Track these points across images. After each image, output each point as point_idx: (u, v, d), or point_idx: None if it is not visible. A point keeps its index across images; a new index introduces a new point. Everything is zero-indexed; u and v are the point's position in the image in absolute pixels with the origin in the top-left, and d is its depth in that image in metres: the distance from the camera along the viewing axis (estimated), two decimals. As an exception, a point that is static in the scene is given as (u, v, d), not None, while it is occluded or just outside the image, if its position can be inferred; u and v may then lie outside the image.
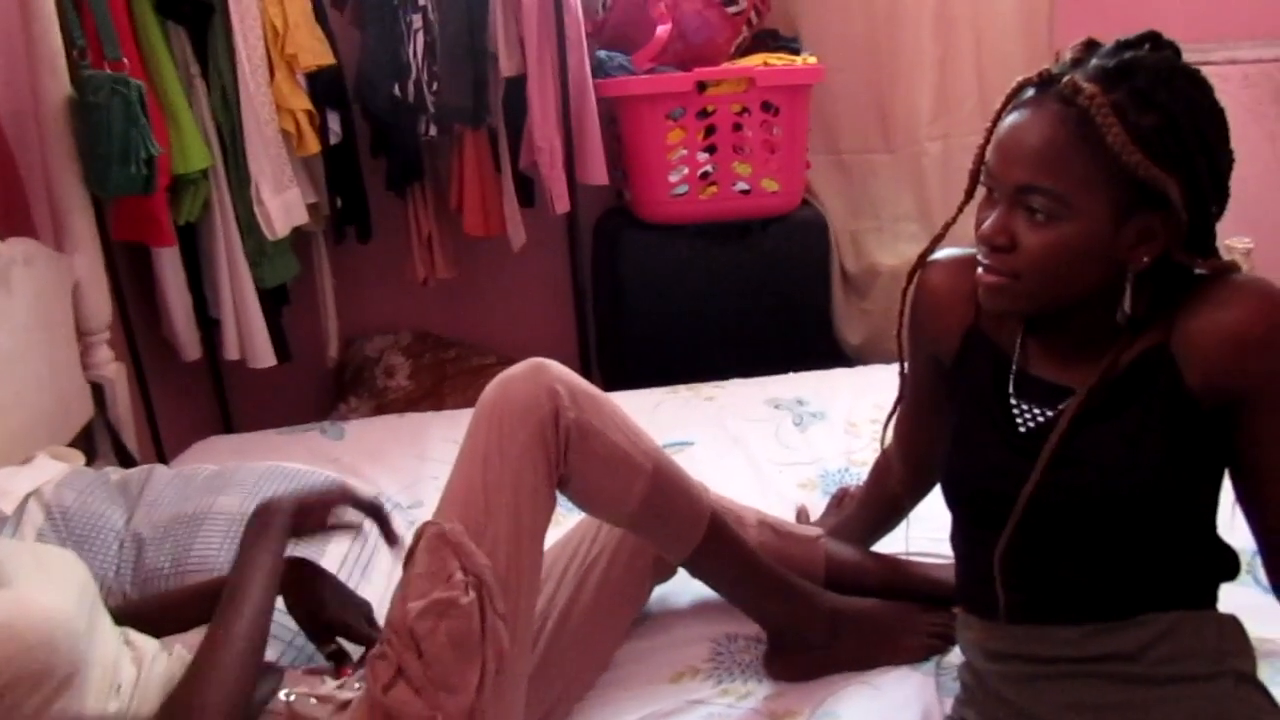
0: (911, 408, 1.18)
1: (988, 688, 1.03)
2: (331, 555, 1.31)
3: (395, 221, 2.45)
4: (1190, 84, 0.88)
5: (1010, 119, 0.92)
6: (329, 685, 1.00)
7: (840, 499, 1.55)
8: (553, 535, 1.12)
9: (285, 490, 1.40)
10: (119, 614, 1.07)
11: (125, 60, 1.77)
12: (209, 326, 2.26)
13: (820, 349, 2.53)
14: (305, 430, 1.96)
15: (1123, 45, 0.89)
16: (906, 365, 1.15)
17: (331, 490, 1.19)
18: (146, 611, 1.15)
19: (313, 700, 0.97)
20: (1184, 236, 0.89)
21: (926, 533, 1.29)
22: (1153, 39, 0.89)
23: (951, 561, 1.14)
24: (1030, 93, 0.92)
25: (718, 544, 1.15)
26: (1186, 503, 0.93)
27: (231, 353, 2.20)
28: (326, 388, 2.69)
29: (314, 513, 1.14)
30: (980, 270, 0.96)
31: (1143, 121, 0.85)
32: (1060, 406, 0.97)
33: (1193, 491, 0.93)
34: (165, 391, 2.18)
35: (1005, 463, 0.99)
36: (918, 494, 1.27)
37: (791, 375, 2.10)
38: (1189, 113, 0.87)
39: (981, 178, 0.96)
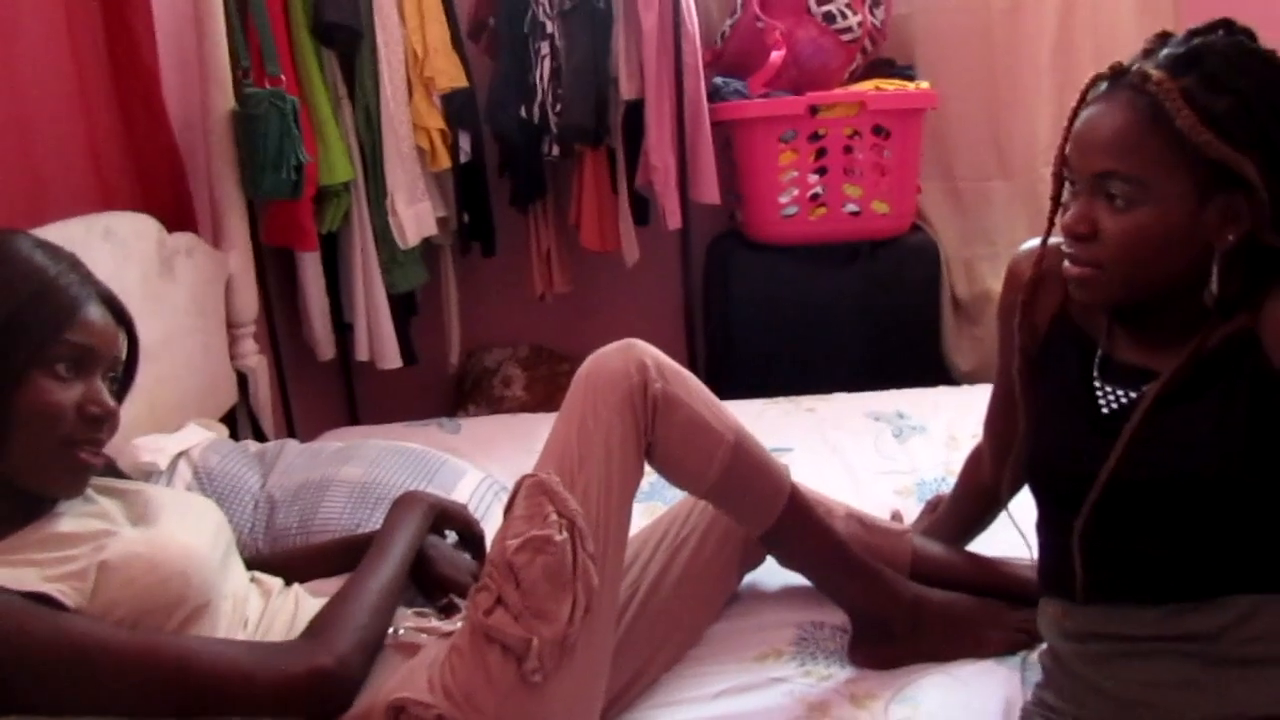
0: (1001, 399, 1.20)
1: (1066, 668, 1.04)
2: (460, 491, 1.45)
3: (517, 239, 2.59)
4: (1262, 64, 0.89)
5: (1085, 113, 0.95)
6: (434, 622, 1.09)
7: (935, 505, 1.56)
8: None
9: (403, 466, 1.52)
10: (250, 562, 1.19)
11: (283, 76, 1.96)
12: (343, 330, 2.44)
13: (928, 374, 2.52)
14: (425, 424, 2.08)
15: (1193, 33, 0.92)
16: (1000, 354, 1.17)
17: (464, 511, 1.33)
18: (274, 562, 1.26)
19: (421, 635, 1.06)
20: (1269, 215, 0.89)
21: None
22: (1225, 25, 0.91)
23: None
24: (1104, 86, 0.95)
25: (799, 520, 1.19)
26: (1269, 486, 0.92)
27: (362, 354, 2.37)
28: (447, 394, 2.84)
29: (450, 518, 1.28)
30: (1066, 263, 0.99)
31: (1214, 105, 0.87)
32: (1144, 388, 0.98)
33: (1276, 475, 0.93)
34: (300, 386, 2.36)
35: (1086, 443, 1.00)
36: (1011, 487, 1.28)
37: (894, 391, 2.11)
38: (1261, 91, 0.88)
39: (1065, 174, 0.99)
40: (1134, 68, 0.92)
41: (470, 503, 1.47)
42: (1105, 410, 1.01)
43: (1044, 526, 1.11)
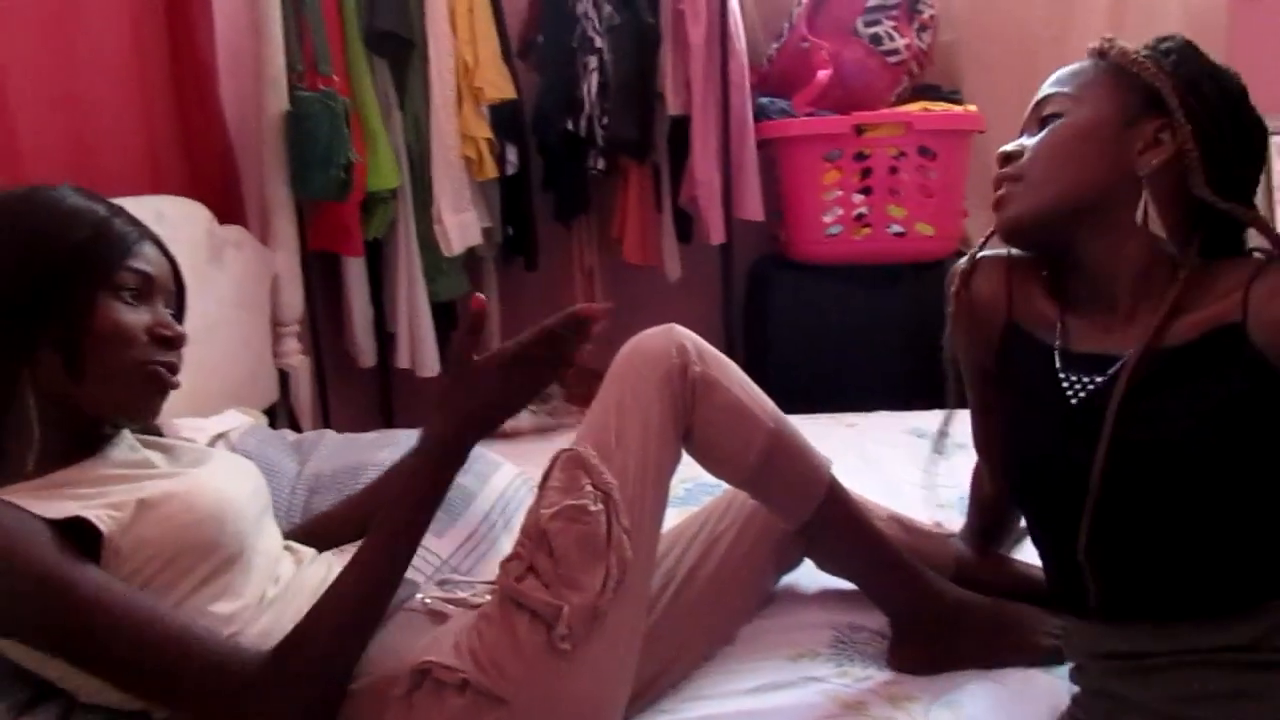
0: (979, 418, 1.18)
1: (1095, 686, 0.99)
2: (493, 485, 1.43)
3: (559, 255, 2.60)
4: (1220, 67, 0.95)
5: None
6: (461, 594, 1.07)
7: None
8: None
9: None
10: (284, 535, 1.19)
11: (335, 77, 2.00)
12: (383, 338, 2.46)
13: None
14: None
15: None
16: (962, 376, 1.16)
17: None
18: (300, 533, 1.26)
19: (449, 607, 1.04)
20: (1200, 166, 0.90)
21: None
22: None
23: None
24: None
25: (837, 513, 1.16)
26: (1270, 482, 0.87)
27: (402, 360, 2.38)
28: (484, 408, 2.83)
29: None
30: (995, 195, 1.00)
31: (1155, 49, 0.94)
32: (1110, 371, 0.93)
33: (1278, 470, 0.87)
34: (339, 389, 2.38)
35: (1062, 441, 0.94)
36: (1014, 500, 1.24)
37: (937, 410, 2.07)
38: (1204, 63, 0.94)
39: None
40: None
41: (503, 496, 1.46)
42: (1074, 401, 0.95)
43: (1041, 540, 1.06)
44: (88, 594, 0.85)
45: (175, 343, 0.99)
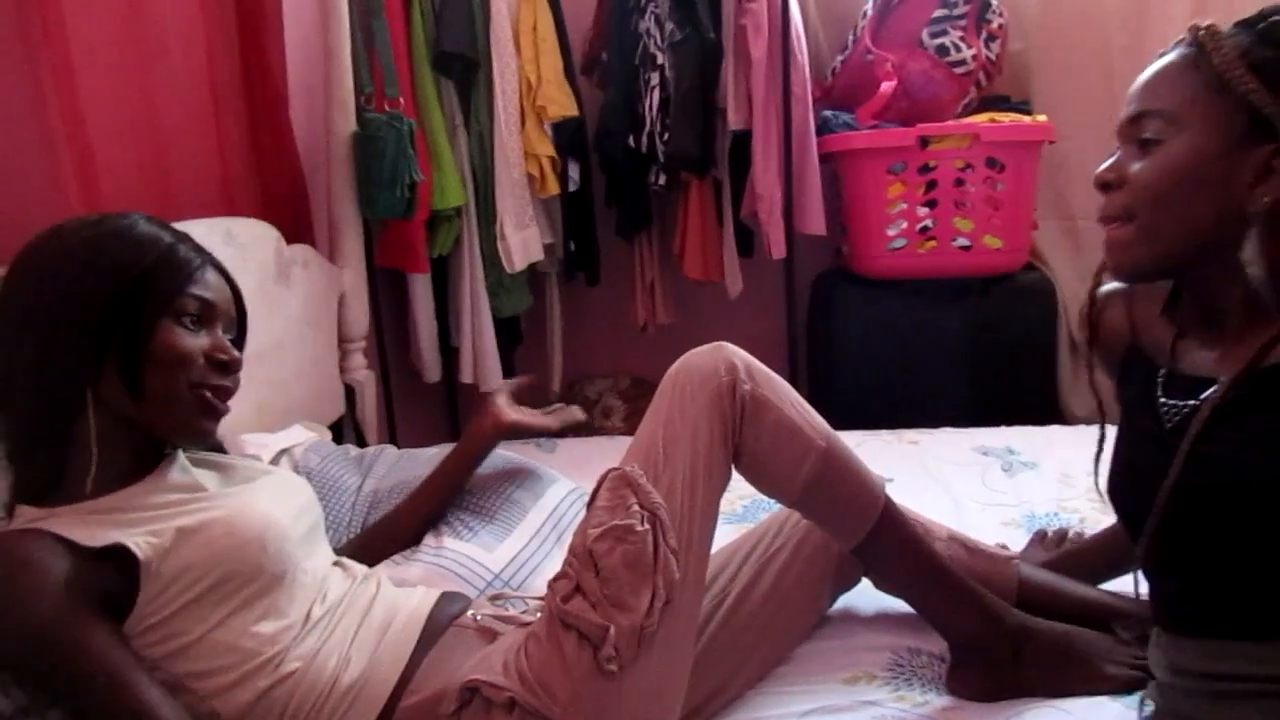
0: None
1: (1173, 706, 0.95)
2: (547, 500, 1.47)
3: (621, 271, 2.61)
4: None
5: None
6: (512, 611, 1.08)
7: (1041, 537, 1.48)
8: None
9: (494, 467, 1.52)
10: (338, 552, 1.21)
11: (401, 100, 2.04)
12: (448, 353, 2.49)
13: (1041, 419, 2.40)
14: (523, 443, 2.09)
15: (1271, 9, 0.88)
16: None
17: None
18: (350, 548, 1.29)
19: (499, 623, 1.05)
20: None
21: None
22: None
23: None
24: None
25: (893, 535, 1.14)
26: None
27: (466, 375, 2.41)
28: (548, 423, 2.85)
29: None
30: (1105, 234, 0.94)
31: (1259, 53, 0.84)
32: (1204, 395, 0.90)
33: None
34: (405, 404, 2.41)
35: (1152, 461, 0.93)
36: None
37: (1004, 428, 2.02)
38: None
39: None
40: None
41: (557, 511, 1.46)
42: (1169, 424, 0.94)
43: (1140, 556, 1.04)
44: (85, 649, 0.86)
45: (230, 367, 1.03)
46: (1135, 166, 0.91)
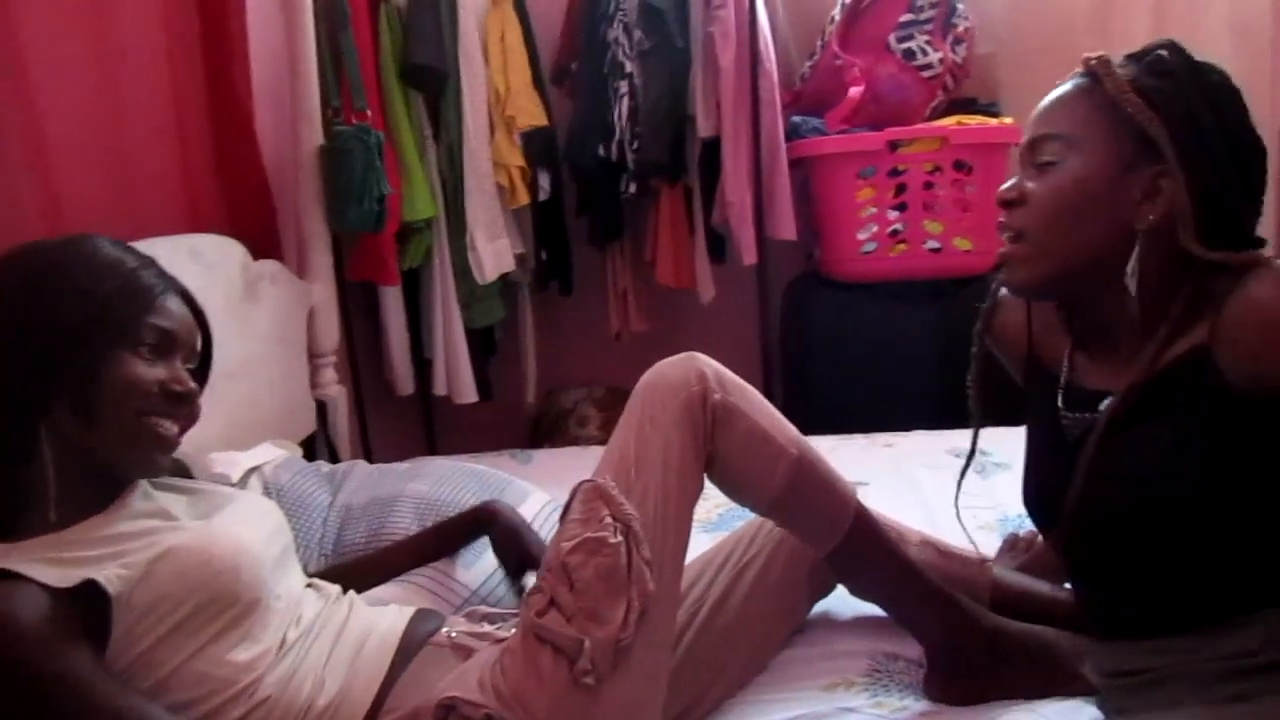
0: None
1: (1120, 703, 0.99)
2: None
3: (594, 280, 2.61)
4: (1214, 73, 0.91)
5: None
6: (487, 627, 1.07)
7: (1013, 544, 1.49)
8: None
9: (469, 484, 1.51)
10: (312, 575, 1.19)
11: (369, 112, 2.03)
12: (422, 365, 2.48)
13: (1015, 418, 2.42)
14: (498, 455, 2.09)
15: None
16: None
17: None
18: (332, 575, 1.27)
19: (474, 640, 1.04)
20: (1193, 216, 0.88)
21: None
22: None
23: None
24: None
25: (867, 541, 1.14)
26: (1242, 504, 0.87)
27: (440, 388, 2.40)
28: (523, 433, 2.85)
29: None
30: (1002, 247, 0.99)
31: (1147, 80, 0.90)
32: (1101, 407, 0.95)
33: (1249, 492, 0.87)
34: (379, 417, 2.40)
35: (1056, 472, 0.97)
36: None
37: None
38: (1200, 86, 0.89)
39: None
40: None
41: (534, 523, 1.45)
42: (1071, 438, 0.98)
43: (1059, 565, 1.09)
44: (67, 682, 0.85)
45: (186, 398, 1.00)
46: (1034, 186, 0.95)
